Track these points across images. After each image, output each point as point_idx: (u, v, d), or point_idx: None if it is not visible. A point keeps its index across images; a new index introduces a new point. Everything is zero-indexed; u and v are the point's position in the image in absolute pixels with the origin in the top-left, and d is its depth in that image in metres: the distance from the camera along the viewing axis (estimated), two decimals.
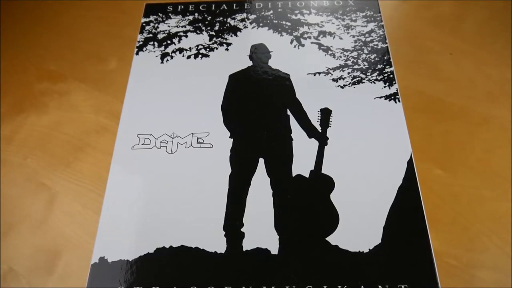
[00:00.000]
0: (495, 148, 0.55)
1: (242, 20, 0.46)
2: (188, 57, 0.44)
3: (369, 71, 0.42)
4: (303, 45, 0.44)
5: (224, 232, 0.33)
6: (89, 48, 0.71)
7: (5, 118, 0.63)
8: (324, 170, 0.35)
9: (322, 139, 0.37)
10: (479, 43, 0.66)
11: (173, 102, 0.41)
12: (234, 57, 0.43)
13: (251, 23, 0.46)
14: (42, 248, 0.51)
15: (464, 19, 0.70)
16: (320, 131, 0.38)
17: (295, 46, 0.44)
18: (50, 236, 0.52)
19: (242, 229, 0.33)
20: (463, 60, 0.64)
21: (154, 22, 0.47)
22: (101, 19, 0.75)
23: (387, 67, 0.42)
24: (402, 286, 0.30)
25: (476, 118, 0.58)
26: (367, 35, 0.44)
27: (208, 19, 0.46)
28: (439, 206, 0.50)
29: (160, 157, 0.37)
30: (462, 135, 0.56)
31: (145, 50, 0.45)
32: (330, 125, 0.38)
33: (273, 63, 0.43)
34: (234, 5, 0.46)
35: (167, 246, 0.33)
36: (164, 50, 0.45)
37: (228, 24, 0.46)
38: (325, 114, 0.39)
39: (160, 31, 0.46)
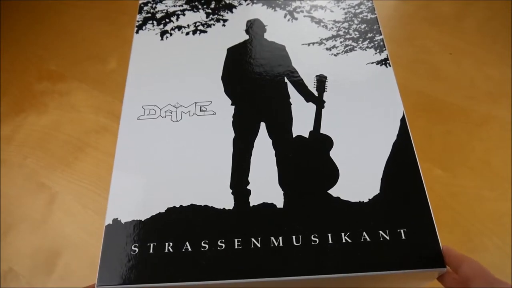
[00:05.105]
0: (495, 148, 0.55)
1: None
2: (187, 33, 0.46)
3: (360, 39, 0.44)
4: (296, 19, 0.46)
5: (231, 191, 0.35)
6: (89, 48, 0.71)
7: (5, 118, 0.63)
8: (322, 131, 0.38)
9: (319, 103, 0.39)
10: (479, 43, 0.66)
11: (175, 74, 0.43)
12: (231, 32, 0.46)
13: (245, 0, 0.48)
14: (42, 248, 0.51)
15: (464, 19, 0.70)
16: (317, 95, 0.40)
17: (288, 20, 0.46)
18: (50, 236, 0.52)
19: (248, 187, 0.35)
20: (463, 60, 0.64)
21: (152, 2, 0.49)
22: (101, 19, 0.75)
23: (377, 35, 0.44)
24: (401, 231, 0.32)
25: (476, 118, 0.58)
26: (356, 7, 0.47)
27: None
28: (439, 206, 0.50)
29: (166, 125, 0.39)
30: (462, 135, 0.56)
31: (145, 29, 0.47)
32: (326, 89, 0.40)
33: (269, 36, 0.45)
34: None
35: (177, 206, 0.34)
36: (163, 28, 0.46)
37: (223, 2, 0.48)
38: (321, 80, 0.41)
39: (158, 10, 0.48)
